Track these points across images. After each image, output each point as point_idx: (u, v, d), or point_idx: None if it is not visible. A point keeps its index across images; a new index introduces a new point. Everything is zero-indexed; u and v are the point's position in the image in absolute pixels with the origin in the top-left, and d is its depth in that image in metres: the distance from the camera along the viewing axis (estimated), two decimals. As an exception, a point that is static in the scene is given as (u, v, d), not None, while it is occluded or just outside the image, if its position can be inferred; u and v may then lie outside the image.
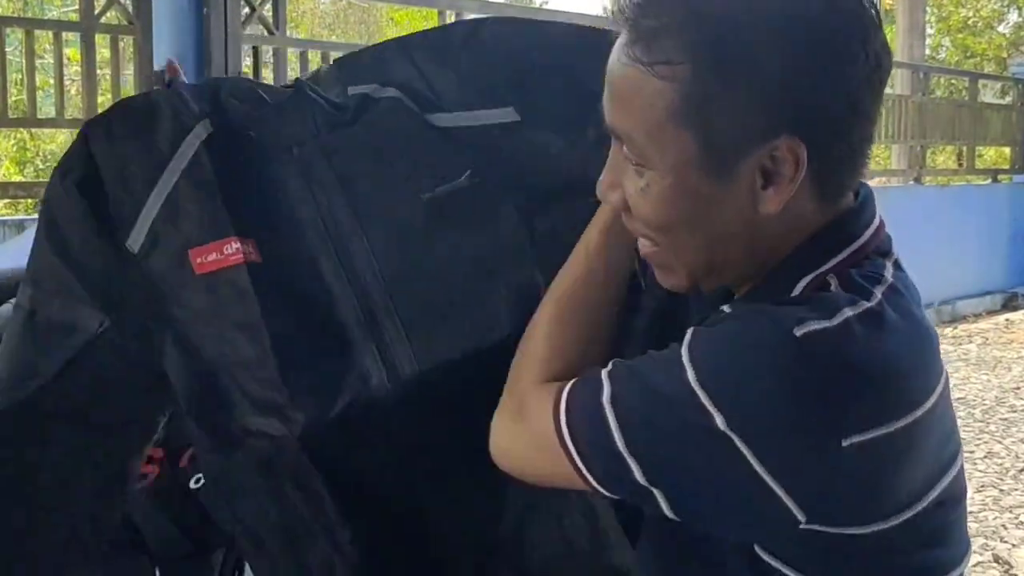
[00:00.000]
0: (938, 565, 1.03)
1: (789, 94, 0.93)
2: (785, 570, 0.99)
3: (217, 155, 1.22)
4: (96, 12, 4.11)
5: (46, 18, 9.27)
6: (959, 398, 5.99)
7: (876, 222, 1.06)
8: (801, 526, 0.94)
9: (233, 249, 1.18)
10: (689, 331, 0.98)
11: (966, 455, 4.98)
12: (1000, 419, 5.57)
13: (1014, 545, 3.81)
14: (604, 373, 1.00)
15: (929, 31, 17.44)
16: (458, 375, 1.16)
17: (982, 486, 4.47)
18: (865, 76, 0.96)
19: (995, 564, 3.65)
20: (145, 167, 1.22)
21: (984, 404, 5.88)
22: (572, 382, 1.03)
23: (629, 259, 1.15)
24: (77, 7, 4.25)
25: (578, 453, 0.99)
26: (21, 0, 12.68)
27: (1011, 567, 3.63)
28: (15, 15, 3.86)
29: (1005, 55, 18.61)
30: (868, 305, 0.96)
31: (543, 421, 1.03)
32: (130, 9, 4.15)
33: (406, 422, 1.17)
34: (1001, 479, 4.57)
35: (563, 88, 1.27)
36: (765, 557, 0.99)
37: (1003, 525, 4.01)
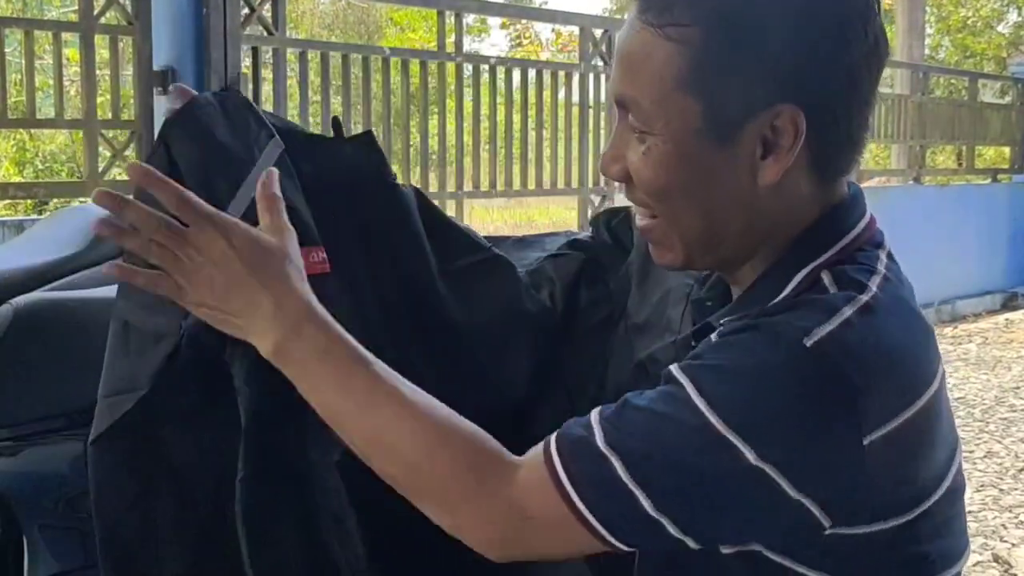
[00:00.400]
0: (947, 555, 1.04)
1: (793, 63, 0.96)
2: (800, 569, 0.99)
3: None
4: (95, 12, 4.10)
5: (45, 18, 9.28)
6: (959, 398, 5.99)
7: (868, 216, 1.07)
8: (826, 531, 0.95)
9: (320, 258, 1.19)
10: (679, 368, 0.96)
11: (966, 455, 4.98)
12: (1000, 419, 5.57)
13: (1014, 544, 3.81)
14: (600, 441, 0.96)
15: (928, 31, 17.44)
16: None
17: (982, 486, 4.47)
18: (864, 55, 0.99)
19: (995, 564, 3.65)
20: (229, 167, 1.21)
21: (984, 404, 5.88)
22: (556, 457, 0.98)
23: None
24: (76, 7, 4.25)
25: (603, 525, 0.96)
26: (20, 0, 12.68)
27: (1011, 567, 3.63)
28: (14, 16, 3.85)
29: (1004, 55, 18.63)
30: (864, 299, 0.97)
31: (549, 502, 0.98)
32: (129, 9, 4.15)
33: None
34: (1001, 479, 4.57)
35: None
36: (775, 558, 0.99)
37: (1003, 525, 4.01)
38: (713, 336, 1.02)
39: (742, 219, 1.02)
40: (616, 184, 1.14)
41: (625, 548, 0.98)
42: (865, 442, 0.92)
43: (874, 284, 0.99)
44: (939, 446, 1.00)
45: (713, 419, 0.92)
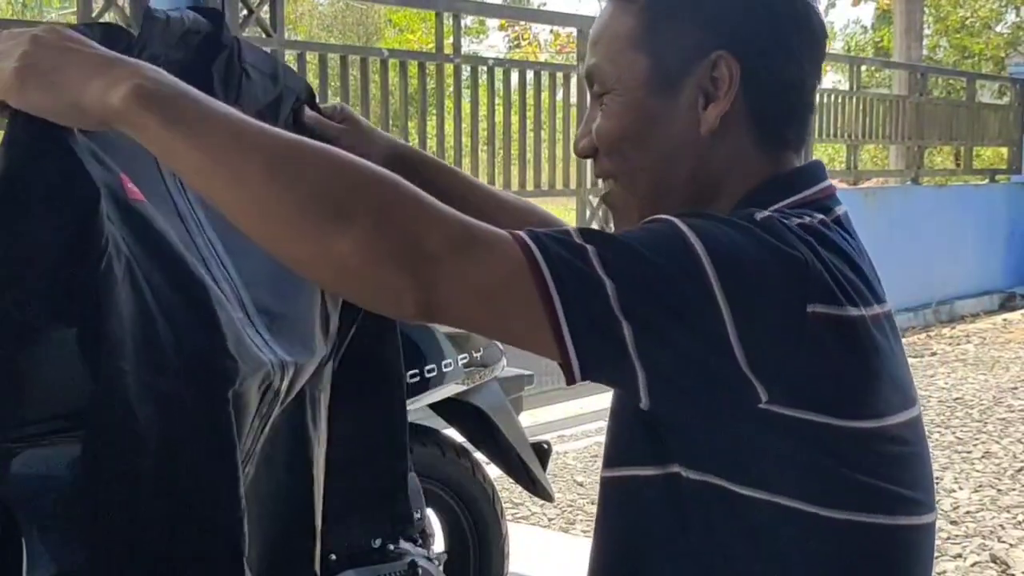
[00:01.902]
0: (900, 499, 1.04)
1: (729, 16, 1.08)
2: (743, 491, 1.00)
3: None
4: (94, 14, 4.11)
5: (44, 20, 9.28)
6: (956, 398, 6.00)
7: (823, 184, 1.13)
8: (760, 405, 0.96)
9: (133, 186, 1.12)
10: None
11: (964, 455, 5.00)
12: (998, 419, 5.57)
13: (1012, 545, 3.81)
14: (575, 236, 0.94)
15: (927, 31, 17.46)
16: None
17: (980, 486, 4.47)
18: (793, 14, 1.09)
19: (992, 564, 3.65)
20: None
21: (982, 404, 5.89)
22: (524, 234, 0.93)
23: None
24: (75, 9, 4.25)
25: (560, 300, 0.90)
26: (19, 2, 12.69)
27: (1008, 567, 3.63)
28: (14, 17, 3.84)
29: (1003, 55, 18.64)
30: (801, 221, 1.02)
31: (509, 251, 0.92)
32: (128, 11, 4.15)
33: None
34: (999, 479, 4.58)
35: None
36: (720, 482, 1.00)
37: (1000, 525, 4.02)
38: None
39: (687, 167, 1.10)
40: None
41: (570, 348, 0.92)
42: (808, 309, 0.95)
43: (801, 220, 1.02)
44: (885, 380, 1.01)
45: (687, 232, 0.95)
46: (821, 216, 1.06)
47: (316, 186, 0.89)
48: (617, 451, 1.11)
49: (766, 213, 1.00)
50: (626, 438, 1.09)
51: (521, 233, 0.94)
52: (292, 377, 1.26)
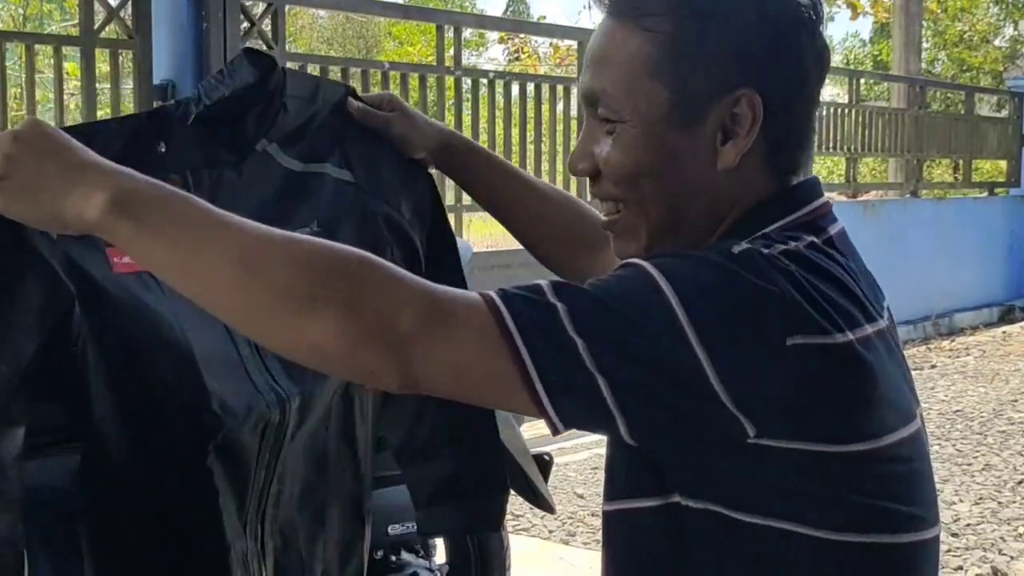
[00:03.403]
0: (901, 517, 1.04)
1: (755, 52, 1.05)
2: (742, 518, 0.99)
3: None
4: (96, 27, 4.12)
5: (46, 32, 9.30)
6: (956, 411, 5.99)
7: (817, 203, 1.11)
8: (749, 439, 0.96)
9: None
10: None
11: (964, 467, 4.98)
12: (998, 431, 5.57)
13: (1013, 557, 3.81)
14: (548, 292, 0.95)
15: (925, 45, 17.50)
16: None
17: (980, 498, 4.47)
18: (813, 57, 1.07)
19: (993, 577, 3.65)
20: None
21: (982, 416, 5.88)
22: (495, 296, 0.95)
23: None
24: (77, 22, 4.26)
25: (528, 349, 0.92)
26: (21, 15, 12.72)
27: (1009, 579, 3.63)
28: (15, 30, 3.86)
29: (1001, 68, 18.69)
30: (786, 248, 1.01)
31: (479, 319, 0.93)
32: (130, 24, 4.16)
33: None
34: (999, 491, 4.57)
35: (383, 156, 1.38)
36: (698, 506, 1.00)
37: (1001, 537, 4.01)
38: None
39: (701, 202, 1.08)
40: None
41: (542, 391, 0.93)
42: (788, 343, 0.94)
43: (801, 245, 1.02)
44: (879, 401, 1.01)
45: (658, 277, 0.95)
46: (811, 238, 1.05)
47: (287, 277, 0.92)
48: (617, 485, 1.10)
49: (744, 246, 0.99)
50: (624, 471, 1.09)
51: (493, 296, 0.96)
52: (301, 405, 1.28)
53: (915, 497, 1.06)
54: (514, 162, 5.78)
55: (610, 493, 1.11)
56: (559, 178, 5.94)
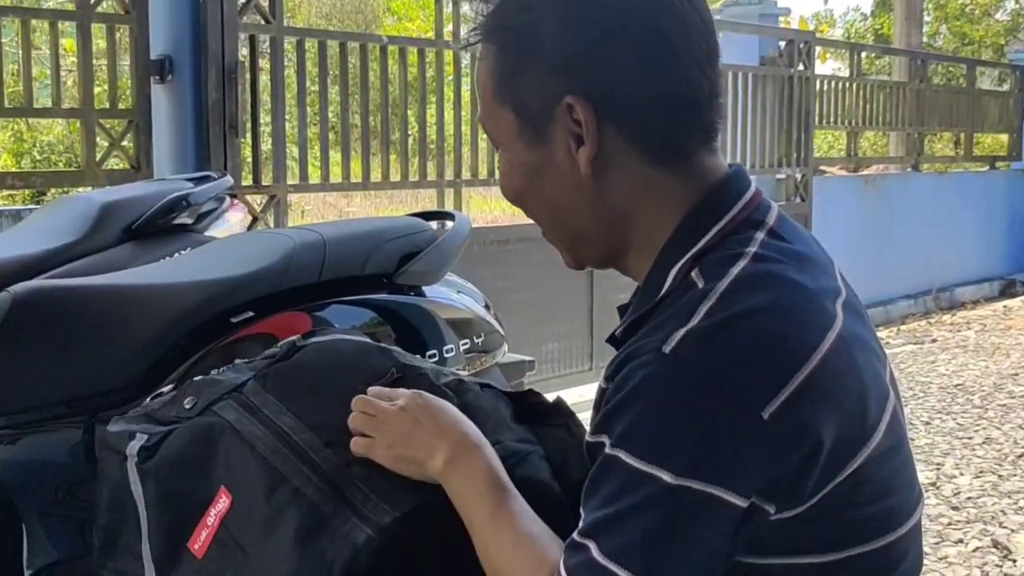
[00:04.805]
0: (890, 516, 1.06)
1: (566, 54, 1.06)
2: (754, 560, 1.02)
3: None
4: (92, 2, 4.09)
5: (42, 8, 9.25)
6: (957, 384, 6.00)
7: (748, 194, 1.11)
8: (772, 517, 0.99)
9: (213, 515, 1.23)
10: (601, 434, 1.02)
11: (965, 441, 4.98)
12: (998, 405, 5.57)
13: (1013, 531, 3.81)
14: (578, 536, 1.00)
15: (926, 18, 17.43)
16: (432, 513, 1.20)
17: (981, 472, 4.47)
18: (632, 32, 1.05)
19: (994, 549, 3.65)
20: None
21: (982, 390, 5.88)
22: (563, 569, 1.01)
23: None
24: (73, -4, 4.23)
25: None
26: (17, -9, 12.61)
27: (1010, 552, 3.63)
28: (11, 5, 3.82)
29: (1003, 42, 18.61)
30: (721, 287, 1.01)
31: None
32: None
33: (401, 569, 1.19)
34: (1000, 465, 4.58)
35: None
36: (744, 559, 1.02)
37: (1002, 511, 4.02)
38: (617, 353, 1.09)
39: (586, 211, 1.10)
40: None
41: None
42: (765, 416, 0.95)
43: (737, 267, 1.02)
44: (858, 401, 1.02)
45: (624, 458, 0.97)
46: (762, 238, 1.05)
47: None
48: None
49: (675, 341, 0.98)
50: None
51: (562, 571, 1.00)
52: (400, 523, 1.20)
53: (902, 486, 1.08)
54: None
55: None
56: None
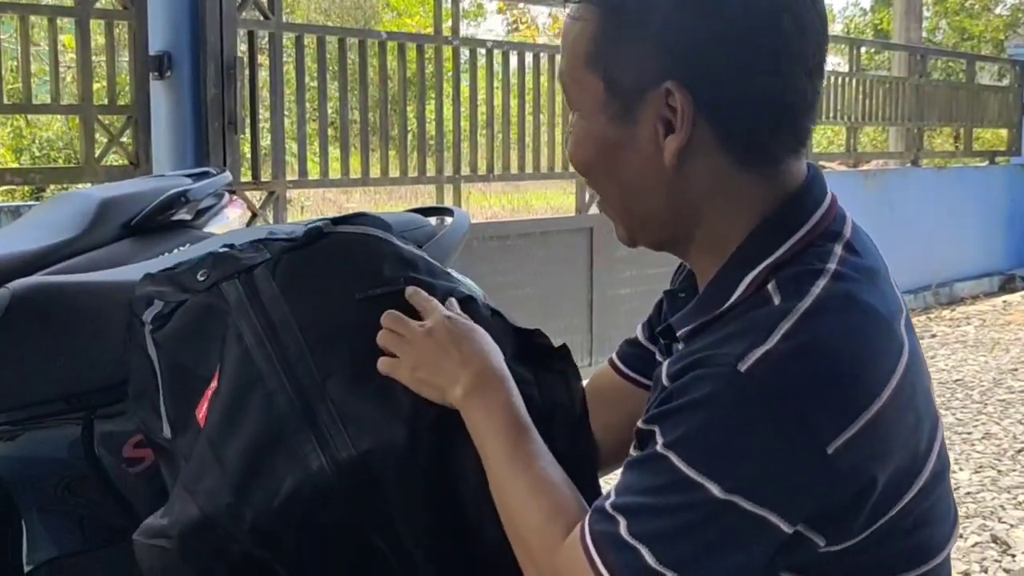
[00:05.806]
0: (932, 543, 1.06)
1: (675, 35, 1.01)
2: None
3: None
4: (91, -4, 4.09)
5: (41, 4, 9.24)
6: (957, 380, 6.00)
7: (826, 203, 1.07)
8: (821, 550, 0.98)
9: (210, 394, 1.25)
10: (654, 427, 1.00)
11: (964, 436, 4.99)
12: (998, 400, 5.58)
13: (1012, 525, 3.82)
14: (624, 532, 0.98)
15: (926, 13, 17.41)
16: (392, 458, 1.17)
17: (980, 467, 4.48)
18: (749, 26, 1.00)
19: (993, 544, 3.66)
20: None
21: (982, 385, 5.89)
22: (588, 531, 1.01)
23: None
24: (72, -8, 4.23)
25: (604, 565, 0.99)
26: (15, -13, 12.58)
27: (1009, 547, 3.64)
28: (10, 1, 3.82)
29: (1002, 37, 18.59)
30: (803, 307, 0.98)
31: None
32: (125, -7, 4.13)
33: (350, 505, 1.17)
34: (999, 460, 4.58)
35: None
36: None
37: (1001, 506, 4.02)
38: (678, 345, 1.07)
39: (658, 198, 1.06)
40: None
41: None
42: (829, 451, 0.94)
43: (818, 287, 0.99)
44: (913, 433, 1.01)
45: (676, 462, 0.95)
46: (840, 253, 1.03)
47: (522, 526, 1.09)
48: None
49: (752, 360, 0.95)
50: None
51: (587, 533, 1.01)
52: (356, 463, 1.19)
53: (943, 513, 1.07)
54: (513, 134, 5.75)
55: None
56: (558, 149, 5.92)
